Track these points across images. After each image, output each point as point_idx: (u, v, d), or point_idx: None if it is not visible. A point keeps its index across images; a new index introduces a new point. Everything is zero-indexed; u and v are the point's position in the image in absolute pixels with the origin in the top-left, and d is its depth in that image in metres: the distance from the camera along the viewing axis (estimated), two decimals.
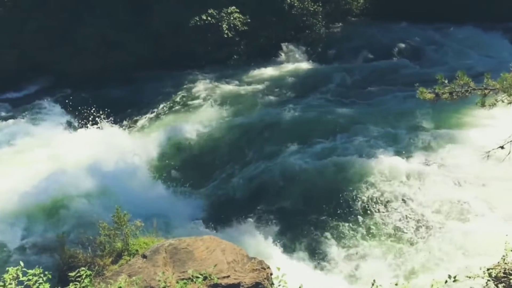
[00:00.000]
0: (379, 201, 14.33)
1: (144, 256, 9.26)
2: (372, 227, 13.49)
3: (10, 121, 20.89)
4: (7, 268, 5.59)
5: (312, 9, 28.62)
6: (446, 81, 7.36)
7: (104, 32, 26.20)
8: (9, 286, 5.32)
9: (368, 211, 14.04)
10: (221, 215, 14.15)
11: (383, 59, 27.09)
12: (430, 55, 26.93)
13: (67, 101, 22.15)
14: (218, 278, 8.11)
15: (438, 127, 18.07)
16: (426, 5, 30.35)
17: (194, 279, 6.76)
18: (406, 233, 13.23)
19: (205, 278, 7.00)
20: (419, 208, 14.03)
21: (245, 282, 8.86)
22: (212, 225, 13.64)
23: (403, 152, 16.41)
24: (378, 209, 14.07)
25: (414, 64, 25.87)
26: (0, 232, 12.84)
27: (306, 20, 28.73)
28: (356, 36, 29.79)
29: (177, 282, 6.53)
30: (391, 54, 27.69)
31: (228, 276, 8.82)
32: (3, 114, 22.31)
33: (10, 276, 5.49)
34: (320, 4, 28.97)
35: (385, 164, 15.62)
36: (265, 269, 9.29)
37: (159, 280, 7.42)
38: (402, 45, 28.31)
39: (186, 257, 9.23)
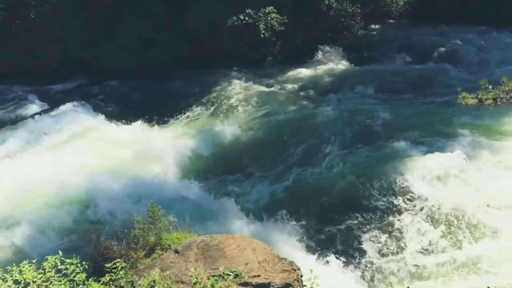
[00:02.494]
0: (412, 207, 14.01)
1: (176, 251, 9.37)
2: (405, 231, 13.21)
3: (50, 114, 21.46)
4: (46, 257, 5.78)
5: (350, 10, 28.32)
6: (490, 87, 7.13)
7: (142, 30, 26.73)
8: (48, 273, 5.51)
9: (402, 215, 13.74)
10: (251, 215, 14.15)
11: (422, 62, 26.56)
12: (471, 59, 26.19)
13: (104, 97, 22.72)
14: (248, 277, 8.10)
15: (478, 135, 17.49)
16: (468, 8, 29.53)
17: (225, 277, 6.81)
18: (441, 239, 12.90)
19: (236, 276, 7.04)
20: (451, 215, 13.65)
21: (275, 283, 8.84)
22: (243, 223, 13.66)
23: (439, 158, 15.93)
24: (416, 215, 13.74)
25: (454, 69, 25.20)
26: (41, 219, 13.30)
27: (344, 22, 28.45)
28: (395, 38, 29.30)
29: (208, 279, 6.60)
30: (430, 58, 27.09)
31: (259, 276, 8.82)
32: (43, 107, 23.06)
33: (49, 264, 5.68)
34: (359, 6, 28.62)
35: (420, 169, 15.26)
36: (295, 270, 9.24)
37: (191, 276, 7.51)
38: (442, 49, 27.67)
39: (217, 254, 9.28)
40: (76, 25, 27.05)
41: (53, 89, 25.76)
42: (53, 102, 22.98)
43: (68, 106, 21.73)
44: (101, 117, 20.58)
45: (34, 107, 23.07)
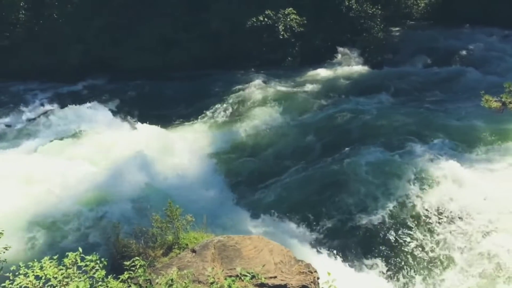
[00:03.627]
0: (433, 211, 13.83)
1: (193, 251, 9.41)
2: (426, 235, 13.04)
3: (70, 112, 21.69)
4: (66, 253, 5.86)
5: (370, 12, 28.09)
6: None
7: (163, 31, 26.97)
8: (69, 270, 5.58)
9: (423, 219, 13.57)
10: (268, 215, 14.13)
11: (443, 65, 26.21)
12: (494, 62, 25.76)
13: (124, 96, 22.95)
14: (265, 278, 8.10)
15: (501, 140, 17.14)
16: (491, 11, 29.05)
17: (242, 277, 6.82)
18: (460, 244, 12.70)
19: (252, 277, 7.03)
20: (475, 221, 13.43)
21: (291, 284, 8.81)
22: (259, 224, 13.66)
23: (461, 162, 15.66)
24: (433, 218, 13.56)
25: (477, 72, 24.79)
26: (61, 216, 13.51)
27: (364, 23, 28.24)
28: (415, 40, 28.99)
29: (225, 279, 6.60)
30: (452, 60, 26.75)
31: (275, 277, 8.80)
32: (64, 106, 23.39)
33: (70, 261, 5.76)
34: (379, 7, 28.37)
35: (439, 174, 15.04)
36: (312, 272, 9.20)
37: (208, 276, 7.53)
38: (464, 52, 27.29)
39: (234, 255, 9.29)
40: (97, 25, 27.43)
41: (74, 88, 26.14)
42: (73, 102, 23.29)
43: (88, 105, 21.99)
44: (121, 116, 20.79)
45: (54, 106, 23.44)
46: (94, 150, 17.35)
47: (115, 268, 9.21)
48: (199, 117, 21.58)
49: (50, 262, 5.66)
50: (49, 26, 27.97)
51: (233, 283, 6.17)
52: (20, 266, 5.58)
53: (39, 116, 22.23)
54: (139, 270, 5.82)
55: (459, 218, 13.48)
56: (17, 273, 5.51)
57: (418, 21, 32.52)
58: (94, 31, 27.49)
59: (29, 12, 28.28)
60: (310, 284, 9.01)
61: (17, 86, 26.51)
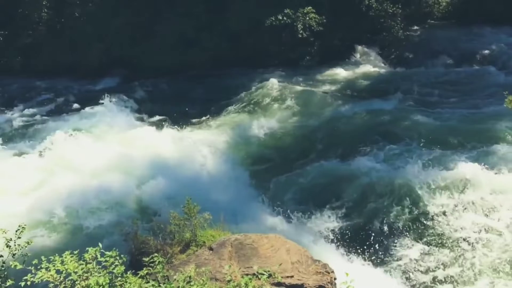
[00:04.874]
0: (452, 212, 13.63)
1: (210, 248, 9.46)
2: (444, 237, 12.86)
3: (90, 111, 22.00)
4: (87, 248, 5.93)
5: (390, 11, 27.78)
6: None
7: (183, 30, 27.13)
8: (89, 265, 5.66)
9: (440, 221, 13.39)
10: (285, 214, 14.11)
11: (465, 65, 25.81)
12: None
13: (144, 95, 23.15)
14: (282, 277, 8.10)
15: None
16: None
17: (259, 276, 6.83)
18: (478, 246, 12.49)
19: (269, 276, 7.05)
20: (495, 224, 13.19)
21: (308, 284, 8.80)
22: (276, 222, 13.64)
23: (483, 166, 15.32)
24: (451, 220, 13.37)
25: (499, 72, 24.34)
26: (82, 212, 13.74)
27: (384, 22, 27.96)
28: (436, 40, 28.58)
29: (242, 277, 6.62)
30: (473, 60, 26.32)
31: (292, 276, 8.80)
32: (84, 103, 23.76)
33: (90, 256, 5.83)
34: (400, 6, 28.04)
35: (459, 176, 14.78)
36: (329, 273, 9.17)
37: (225, 273, 7.57)
38: (486, 51, 26.81)
39: (251, 253, 9.31)
40: (118, 24, 27.75)
41: (94, 86, 26.50)
42: (93, 100, 23.64)
43: (107, 103, 22.28)
44: (140, 114, 21.01)
45: (75, 104, 23.82)
46: (110, 148, 17.53)
47: (133, 264, 9.33)
48: (218, 115, 21.67)
49: (71, 257, 5.74)
50: (71, 24, 28.44)
51: (250, 282, 6.18)
52: (42, 260, 5.67)
53: (57, 113, 22.64)
54: (158, 267, 5.88)
55: (486, 222, 13.23)
56: (39, 267, 5.61)
57: (440, 20, 32.03)
58: (115, 30, 27.83)
59: (51, 10, 28.78)
60: (327, 285, 8.98)
61: (39, 83, 27.01)
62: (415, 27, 30.82)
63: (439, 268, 11.97)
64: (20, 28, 28.55)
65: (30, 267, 5.64)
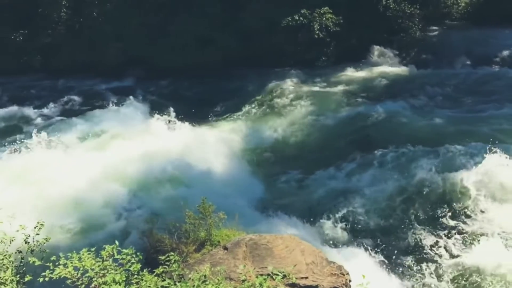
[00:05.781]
0: (475, 217, 13.42)
1: (225, 248, 9.47)
2: (466, 240, 12.68)
3: (106, 109, 22.24)
4: (103, 246, 5.99)
5: (408, 11, 27.55)
6: None
7: (198, 29, 27.26)
8: (106, 262, 5.72)
9: (464, 225, 13.19)
10: (299, 215, 14.06)
11: (484, 66, 25.51)
12: None
13: (159, 94, 23.28)
14: (296, 278, 8.09)
15: None
16: None
17: (274, 276, 6.83)
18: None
19: (284, 276, 7.05)
20: None
21: (323, 286, 8.75)
22: (292, 224, 13.60)
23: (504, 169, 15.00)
24: (475, 225, 13.16)
25: None
26: (98, 208, 13.89)
27: (402, 23, 27.73)
28: (455, 41, 28.26)
29: (257, 277, 6.62)
30: (493, 62, 25.97)
31: (306, 278, 8.77)
32: (100, 102, 24.07)
33: (107, 253, 5.89)
34: (418, 7, 27.78)
35: (478, 180, 14.53)
36: (344, 275, 9.11)
37: (240, 273, 7.58)
38: (506, 52, 26.42)
39: (266, 254, 9.30)
40: (135, 24, 27.99)
41: (111, 85, 26.78)
42: (110, 98, 23.91)
43: (123, 102, 22.50)
44: (155, 114, 21.13)
45: (92, 102, 24.11)
46: (126, 146, 17.70)
47: (148, 262, 9.38)
48: (233, 115, 21.71)
49: (88, 254, 5.80)
50: (89, 24, 28.77)
51: (265, 282, 6.17)
52: (60, 256, 5.75)
53: (74, 112, 22.93)
54: (174, 265, 5.91)
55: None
56: (57, 264, 5.68)
57: (458, 20, 31.68)
58: (132, 29, 28.07)
59: (70, 10, 29.16)
60: (342, 286, 8.93)
61: (57, 82, 27.41)
62: (433, 28, 30.51)
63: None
64: (40, 27, 28.98)
65: (48, 264, 5.71)
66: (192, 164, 16.10)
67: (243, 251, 9.34)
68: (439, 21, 30.96)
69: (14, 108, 23.82)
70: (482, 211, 13.62)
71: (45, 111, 23.60)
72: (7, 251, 6.03)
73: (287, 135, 19.25)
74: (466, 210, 13.67)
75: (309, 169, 16.72)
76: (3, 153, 17.54)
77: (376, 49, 27.71)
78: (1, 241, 6.03)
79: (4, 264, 5.95)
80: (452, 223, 13.29)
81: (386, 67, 26.33)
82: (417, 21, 27.83)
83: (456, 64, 26.34)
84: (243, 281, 6.58)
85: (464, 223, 13.22)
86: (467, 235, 12.89)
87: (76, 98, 25.14)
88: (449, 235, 12.89)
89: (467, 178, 14.55)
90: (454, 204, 13.92)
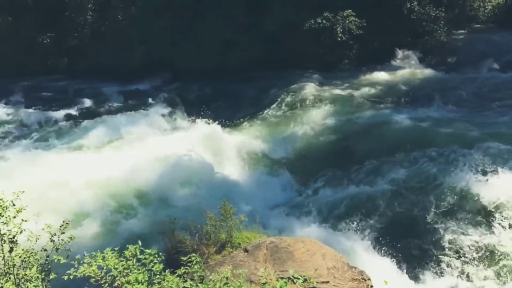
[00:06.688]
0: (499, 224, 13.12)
1: (246, 250, 9.48)
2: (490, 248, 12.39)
3: (129, 112, 22.46)
4: (127, 246, 6.07)
5: (433, 14, 27.18)
6: None
7: (222, 32, 27.42)
8: (129, 262, 5.79)
9: (487, 231, 12.90)
10: (321, 219, 13.98)
11: (510, 70, 24.84)
12: None
13: (182, 96, 23.46)
14: (317, 283, 8.02)
15: None
16: None
17: (294, 280, 6.79)
18: None
19: (304, 280, 6.99)
20: None
21: None
22: (312, 227, 13.52)
23: None
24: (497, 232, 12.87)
25: None
26: (121, 209, 14.08)
27: (426, 26, 27.37)
28: (481, 44, 27.73)
29: (277, 280, 6.59)
30: None
31: (327, 282, 8.69)
32: (124, 104, 24.41)
33: (130, 253, 5.96)
34: (443, 10, 27.39)
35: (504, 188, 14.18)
36: (365, 280, 9.01)
37: (260, 276, 7.56)
38: None
39: (286, 257, 9.27)
40: (159, 27, 28.34)
41: (136, 87, 27.17)
42: (133, 100, 24.23)
43: (147, 104, 22.77)
44: (179, 116, 21.35)
45: (115, 105, 24.49)
46: (147, 148, 17.88)
47: (169, 263, 9.44)
48: (255, 117, 21.72)
49: (112, 254, 5.88)
50: (114, 27, 29.24)
51: (285, 285, 6.14)
52: (84, 255, 5.84)
53: (98, 114, 23.29)
54: (195, 267, 5.93)
55: None
56: (81, 262, 5.77)
57: (485, 24, 31.10)
58: (156, 32, 28.43)
59: (96, 13, 29.71)
60: None
61: (82, 84, 27.94)
62: (459, 31, 30.01)
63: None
64: (66, 30, 29.61)
65: (73, 262, 5.81)
66: (214, 166, 16.20)
67: (263, 253, 9.33)
68: (465, 24, 30.46)
69: (39, 109, 24.40)
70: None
71: (69, 112, 24.07)
72: (33, 249, 6.15)
73: (309, 140, 19.13)
74: (492, 220, 13.33)
75: (331, 173, 16.59)
76: (32, 153, 17.98)
77: (400, 52, 27.40)
78: (28, 239, 6.15)
79: (30, 262, 6.08)
80: (477, 231, 13.00)
81: (409, 70, 26.02)
82: (442, 24, 27.43)
83: (482, 68, 25.83)
84: (264, 284, 6.55)
85: (492, 233, 12.89)
86: (492, 245, 12.59)
87: (100, 100, 25.56)
88: (473, 242, 12.61)
89: (496, 183, 14.23)
90: (481, 211, 13.59)
